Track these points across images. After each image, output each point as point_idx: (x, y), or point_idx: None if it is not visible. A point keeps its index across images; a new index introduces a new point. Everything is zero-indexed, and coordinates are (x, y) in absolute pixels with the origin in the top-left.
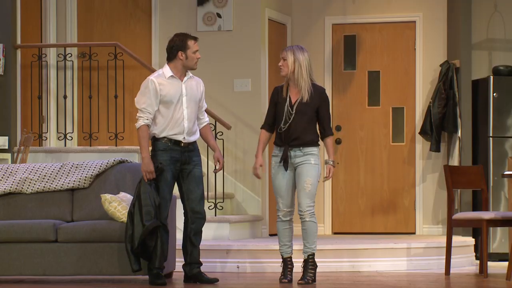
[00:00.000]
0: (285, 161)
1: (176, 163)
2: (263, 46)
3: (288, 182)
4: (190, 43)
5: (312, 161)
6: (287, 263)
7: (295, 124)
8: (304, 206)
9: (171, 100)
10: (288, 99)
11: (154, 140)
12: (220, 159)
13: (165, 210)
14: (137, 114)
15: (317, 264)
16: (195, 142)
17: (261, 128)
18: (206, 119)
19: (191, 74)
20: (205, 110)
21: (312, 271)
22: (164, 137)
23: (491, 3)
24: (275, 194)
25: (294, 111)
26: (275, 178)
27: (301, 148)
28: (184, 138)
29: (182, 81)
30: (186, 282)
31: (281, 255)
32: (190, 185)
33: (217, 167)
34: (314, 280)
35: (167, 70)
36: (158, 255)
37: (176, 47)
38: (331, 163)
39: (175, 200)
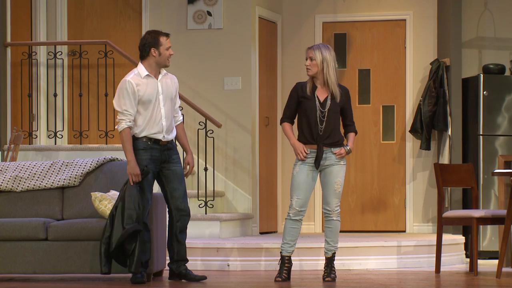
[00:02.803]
0: (318, 161)
1: (156, 162)
2: (254, 44)
3: (310, 182)
4: (163, 39)
5: (341, 162)
6: (284, 261)
7: (328, 123)
8: (333, 206)
9: (149, 99)
10: (316, 98)
11: (134, 139)
12: (190, 162)
13: (146, 209)
14: (118, 117)
15: (307, 262)
16: (173, 140)
17: (282, 122)
18: (179, 117)
19: (165, 71)
20: (196, 108)
21: (334, 269)
22: (144, 136)
23: (481, 1)
24: (292, 191)
25: (326, 111)
26: (298, 176)
27: (331, 149)
28: (164, 136)
29: (157, 79)
30: (172, 280)
31: (281, 252)
32: (173, 183)
33: (186, 171)
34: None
35: (142, 69)
36: (135, 260)
37: (148, 44)
38: (347, 148)
39: (162, 198)
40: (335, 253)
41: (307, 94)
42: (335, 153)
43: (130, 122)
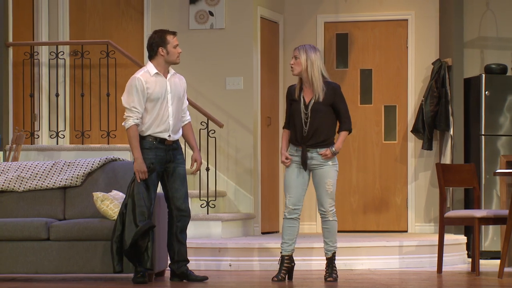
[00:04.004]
0: (303, 163)
1: (161, 161)
2: (255, 44)
3: (299, 180)
4: (169, 38)
5: (329, 162)
6: (283, 261)
7: (311, 124)
8: (327, 206)
9: (158, 97)
10: (302, 99)
11: (139, 138)
12: (198, 159)
13: (150, 209)
14: (125, 113)
15: (310, 262)
16: (178, 140)
17: (283, 128)
18: (187, 117)
19: (173, 71)
20: (197, 108)
21: (336, 269)
22: (150, 135)
23: (483, 1)
24: (285, 190)
25: (309, 112)
26: (287, 175)
27: (317, 149)
28: (170, 136)
29: (166, 78)
30: (173, 280)
31: (281, 252)
32: (175, 183)
33: (193, 168)
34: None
35: (151, 68)
36: (150, 256)
37: (156, 44)
38: (333, 149)
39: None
40: (335, 252)
41: (295, 96)
42: (320, 154)
43: (137, 119)
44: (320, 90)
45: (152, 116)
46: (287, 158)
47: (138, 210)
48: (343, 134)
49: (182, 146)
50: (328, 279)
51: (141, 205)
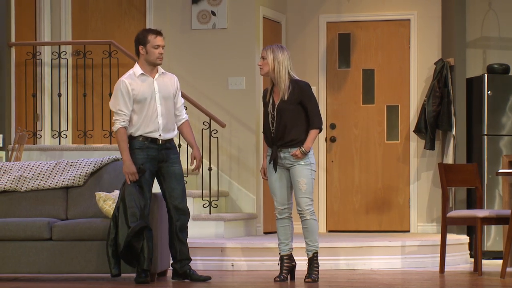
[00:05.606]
0: (274, 162)
1: (153, 161)
2: (258, 44)
3: (281, 180)
4: (151, 37)
5: (301, 162)
6: (283, 261)
7: (278, 124)
8: (303, 206)
9: (144, 97)
10: (271, 100)
11: (131, 139)
12: (197, 156)
13: (147, 209)
14: (113, 117)
15: None
16: (172, 140)
17: (263, 133)
18: (184, 115)
19: (163, 71)
20: (200, 108)
21: (317, 270)
22: (140, 136)
23: (485, 1)
24: (271, 193)
25: (275, 112)
26: (269, 178)
27: (289, 149)
28: (160, 135)
29: (153, 78)
30: (175, 279)
31: (279, 252)
32: (171, 183)
33: (193, 165)
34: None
35: (137, 69)
36: (146, 256)
37: (137, 42)
38: (302, 149)
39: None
40: (316, 252)
41: (267, 99)
42: (291, 155)
43: (124, 122)
44: (285, 89)
45: (140, 117)
46: (265, 173)
47: (129, 211)
48: (312, 132)
49: (183, 146)
50: (307, 280)
51: (132, 206)
